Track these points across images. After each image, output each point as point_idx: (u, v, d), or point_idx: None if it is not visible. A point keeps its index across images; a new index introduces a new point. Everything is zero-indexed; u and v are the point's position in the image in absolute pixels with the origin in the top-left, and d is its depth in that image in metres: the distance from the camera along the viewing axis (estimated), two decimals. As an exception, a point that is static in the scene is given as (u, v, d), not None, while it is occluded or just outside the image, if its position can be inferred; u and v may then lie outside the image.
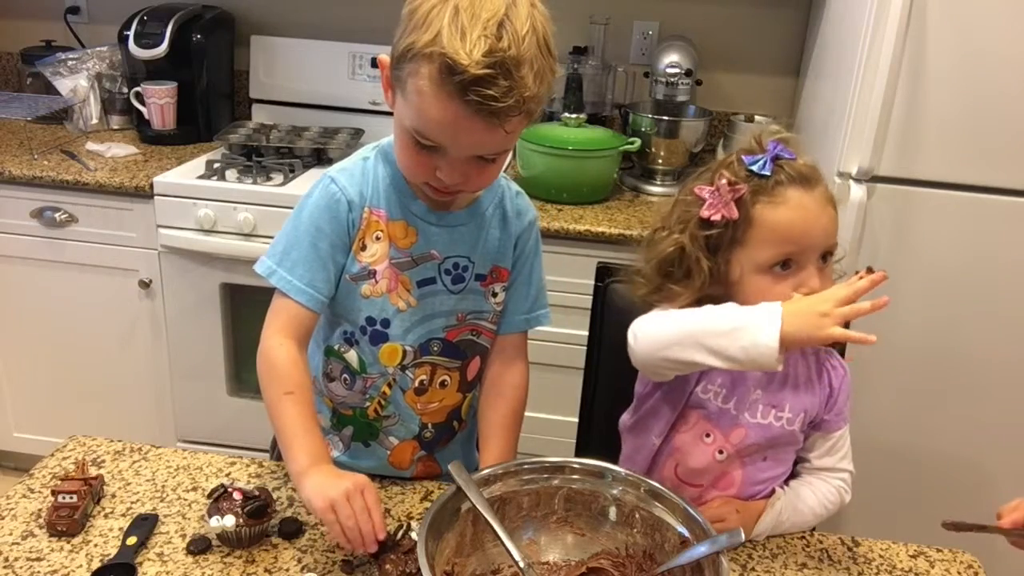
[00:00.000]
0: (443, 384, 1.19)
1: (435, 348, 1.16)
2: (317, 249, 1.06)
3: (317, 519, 1.04)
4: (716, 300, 1.08)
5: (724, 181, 1.05)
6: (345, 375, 1.17)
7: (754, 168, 1.05)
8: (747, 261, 1.06)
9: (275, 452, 1.27)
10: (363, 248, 1.09)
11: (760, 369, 1.01)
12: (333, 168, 1.11)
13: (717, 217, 1.05)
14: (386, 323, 1.12)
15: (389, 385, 1.16)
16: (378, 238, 1.09)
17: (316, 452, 1.00)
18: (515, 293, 1.20)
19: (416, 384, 1.17)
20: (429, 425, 1.21)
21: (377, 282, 1.10)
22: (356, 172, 1.10)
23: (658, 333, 1.04)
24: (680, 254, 1.09)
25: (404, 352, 1.14)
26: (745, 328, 0.97)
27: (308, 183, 2.10)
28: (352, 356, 1.15)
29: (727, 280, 1.09)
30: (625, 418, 1.24)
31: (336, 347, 1.16)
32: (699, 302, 1.08)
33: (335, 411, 1.21)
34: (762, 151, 1.06)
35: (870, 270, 0.98)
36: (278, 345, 1.05)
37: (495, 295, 1.18)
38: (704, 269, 1.07)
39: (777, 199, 1.04)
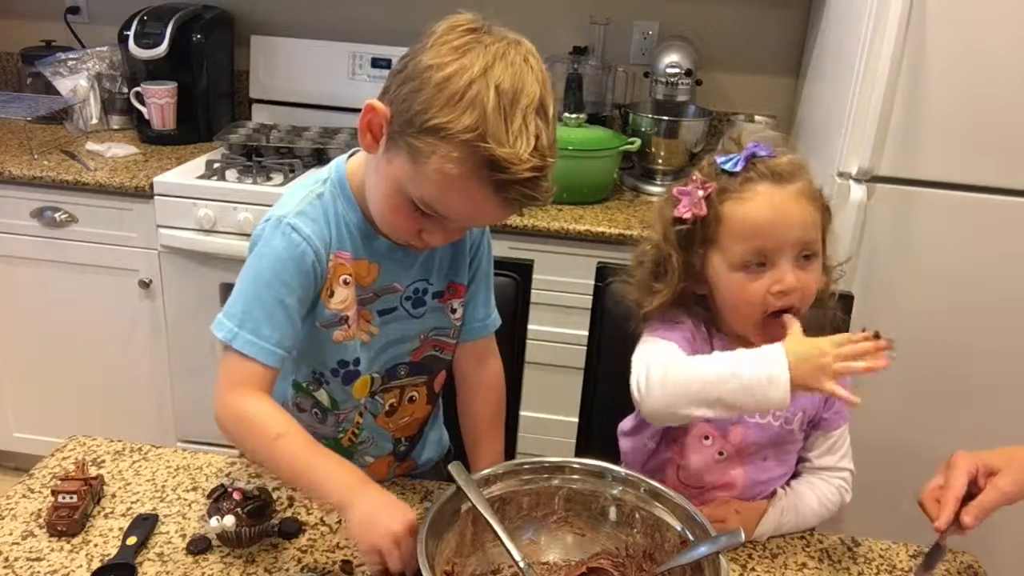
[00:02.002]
0: (411, 400, 1.18)
1: (402, 372, 1.14)
2: (284, 305, 0.98)
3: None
4: (702, 298, 1.11)
5: (695, 179, 1.07)
6: (316, 410, 1.14)
7: (725, 167, 1.06)
8: (721, 260, 1.07)
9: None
10: (331, 295, 1.04)
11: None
12: (288, 211, 1.01)
13: (688, 215, 1.06)
14: (357, 361, 1.09)
15: (360, 414, 1.15)
16: (346, 282, 1.04)
17: (343, 479, 0.93)
18: (475, 300, 1.17)
19: (387, 408, 1.16)
20: (403, 439, 1.21)
21: (349, 327, 1.06)
22: (317, 215, 1.01)
23: (671, 392, 1.01)
24: (656, 253, 1.11)
25: (372, 380, 1.12)
26: (756, 386, 0.96)
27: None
28: (322, 395, 1.12)
29: (705, 279, 1.09)
30: (625, 424, 1.24)
31: (304, 384, 1.12)
32: (680, 299, 1.10)
33: None
34: (740, 151, 1.07)
35: (877, 335, 0.95)
36: (245, 399, 0.96)
37: (454, 311, 1.15)
38: (675, 265, 1.08)
39: (744, 195, 1.04)
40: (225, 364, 0.98)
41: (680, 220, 1.07)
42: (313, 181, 1.05)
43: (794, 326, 1.01)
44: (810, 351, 0.95)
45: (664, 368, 1.02)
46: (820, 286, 1.08)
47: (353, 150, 1.07)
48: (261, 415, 0.96)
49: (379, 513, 0.90)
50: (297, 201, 1.02)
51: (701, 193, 1.06)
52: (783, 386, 0.94)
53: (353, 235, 1.04)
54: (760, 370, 0.96)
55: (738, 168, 1.05)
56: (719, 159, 1.07)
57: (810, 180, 1.07)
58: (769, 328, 1.05)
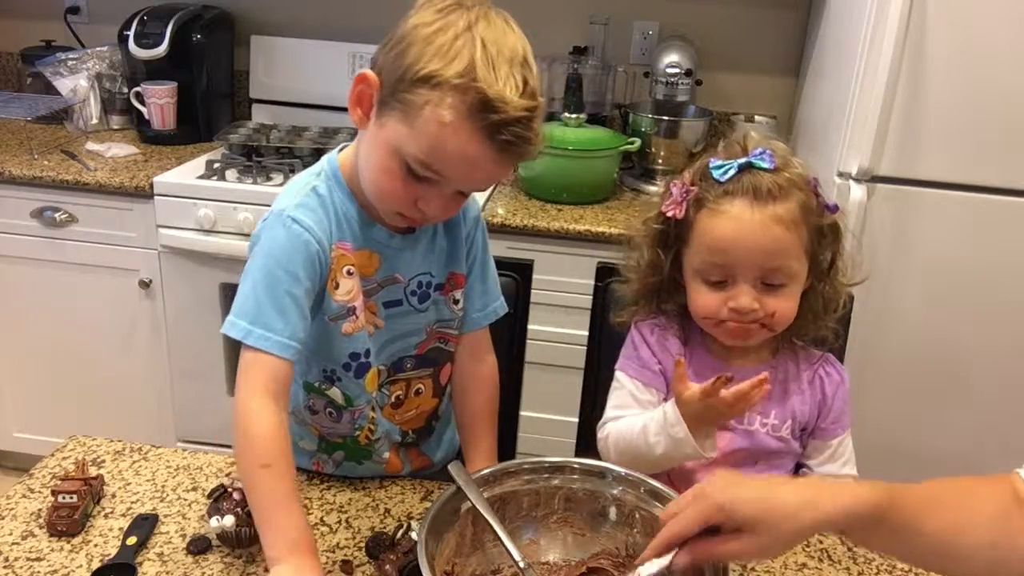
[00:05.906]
0: (418, 392, 1.18)
1: (408, 365, 1.15)
2: (294, 297, 0.98)
3: None
4: (678, 300, 1.13)
5: (684, 180, 1.08)
6: (330, 409, 1.14)
7: (716, 174, 1.04)
8: (688, 263, 1.09)
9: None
10: (336, 286, 1.04)
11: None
12: (287, 205, 1.01)
13: (670, 213, 1.08)
14: (367, 352, 1.10)
15: (373, 408, 1.15)
16: (350, 273, 1.04)
17: (291, 537, 0.90)
18: (471, 292, 1.19)
19: (392, 400, 1.16)
20: (410, 432, 1.21)
21: (357, 318, 1.07)
22: (315, 207, 1.02)
23: (626, 462, 1.05)
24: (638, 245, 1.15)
25: (379, 372, 1.13)
26: (673, 449, 1.03)
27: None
28: (335, 392, 1.12)
29: (681, 277, 1.11)
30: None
31: (316, 384, 1.12)
32: (656, 294, 1.14)
33: (323, 437, 1.18)
34: (744, 155, 1.05)
35: (730, 379, 0.98)
36: (258, 409, 0.94)
37: (456, 302, 1.16)
38: (646, 258, 1.11)
39: (718, 208, 1.03)
40: (242, 363, 0.98)
41: (662, 216, 1.09)
42: (307, 175, 1.07)
43: (680, 370, 1.03)
44: (698, 407, 1.00)
45: (609, 440, 1.12)
46: (822, 301, 1.10)
47: (342, 145, 1.09)
48: (262, 435, 0.94)
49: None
50: (294, 195, 1.03)
51: (683, 196, 1.07)
52: (689, 444, 1.01)
53: (352, 225, 1.05)
54: (668, 436, 1.03)
55: (726, 177, 1.03)
56: (712, 163, 1.05)
57: (801, 202, 1.02)
58: (731, 334, 1.09)
